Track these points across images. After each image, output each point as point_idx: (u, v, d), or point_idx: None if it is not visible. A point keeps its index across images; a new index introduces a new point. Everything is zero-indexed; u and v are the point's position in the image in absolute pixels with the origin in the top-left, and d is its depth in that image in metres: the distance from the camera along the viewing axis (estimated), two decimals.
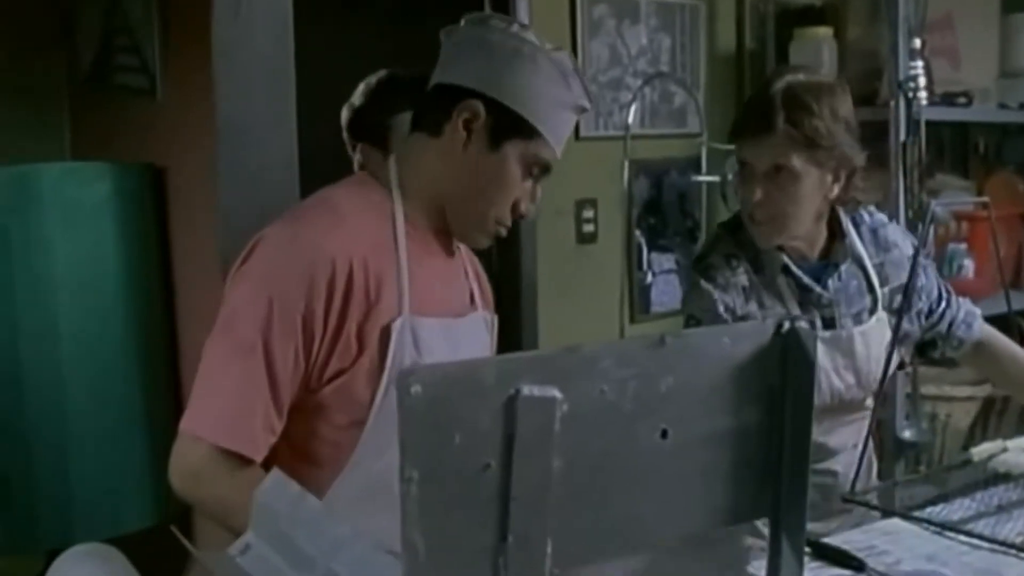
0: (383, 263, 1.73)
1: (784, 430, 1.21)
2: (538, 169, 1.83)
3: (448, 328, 1.81)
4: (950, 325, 2.46)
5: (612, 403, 1.08)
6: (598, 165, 3.78)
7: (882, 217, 2.39)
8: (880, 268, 2.33)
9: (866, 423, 2.32)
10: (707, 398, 1.17)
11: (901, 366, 2.58)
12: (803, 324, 1.21)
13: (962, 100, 3.81)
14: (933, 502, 2.18)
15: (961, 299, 2.49)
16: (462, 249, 1.95)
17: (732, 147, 2.25)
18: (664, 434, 1.13)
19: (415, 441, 0.98)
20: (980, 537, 1.98)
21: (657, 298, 4.03)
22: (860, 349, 2.26)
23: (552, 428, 1.04)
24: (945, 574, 1.87)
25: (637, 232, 3.94)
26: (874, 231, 2.36)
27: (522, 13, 3.62)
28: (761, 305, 2.19)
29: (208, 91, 2.51)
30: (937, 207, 2.70)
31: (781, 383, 1.21)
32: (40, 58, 3.31)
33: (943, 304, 2.46)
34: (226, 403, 1.66)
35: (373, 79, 2.60)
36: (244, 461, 1.66)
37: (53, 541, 2.39)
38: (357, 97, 2.62)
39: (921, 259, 2.25)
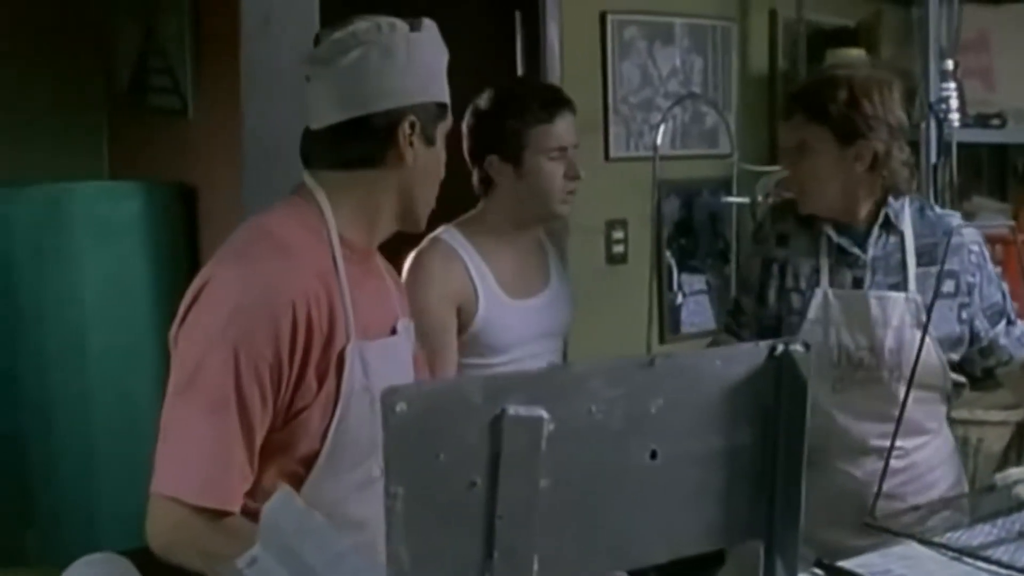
0: (329, 292, 1.70)
1: (778, 451, 1.22)
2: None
3: (387, 348, 1.82)
4: (1004, 337, 2.46)
5: (600, 422, 1.09)
6: (628, 186, 3.79)
7: (949, 212, 2.51)
8: (930, 248, 2.38)
9: (889, 427, 2.34)
10: (698, 418, 1.17)
11: (959, 385, 2.56)
12: (797, 347, 1.21)
13: (995, 122, 3.78)
14: (954, 527, 2.16)
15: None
16: (377, 256, 1.93)
17: (763, 168, 2.38)
18: (654, 454, 1.14)
19: (400, 458, 0.99)
20: (998, 564, 1.96)
21: (688, 318, 4.02)
22: (876, 313, 2.35)
23: (539, 447, 1.05)
24: None
25: (668, 253, 3.94)
26: (924, 212, 2.42)
27: (552, 35, 3.65)
28: (795, 252, 2.43)
29: (236, 110, 2.56)
30: (962, 229, 2.68)
31: (775, 404, 1.21)
32: (80, 78, 3.38)
33: (1002, 318, 2.45)
34: (203, 461, 1.61)
35: (498, 88, 2.50)
36: (222, 513, 1.62)
37: (79, 551, 2.43)
38: (484, 102, 2.51)
39: (988, 265, 2.40)
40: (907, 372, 2.32)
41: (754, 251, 2.57)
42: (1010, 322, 2.48)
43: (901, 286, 2.37)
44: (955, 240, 2.37)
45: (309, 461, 1.71)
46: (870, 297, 2.37)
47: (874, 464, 2.40)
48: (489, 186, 2.47)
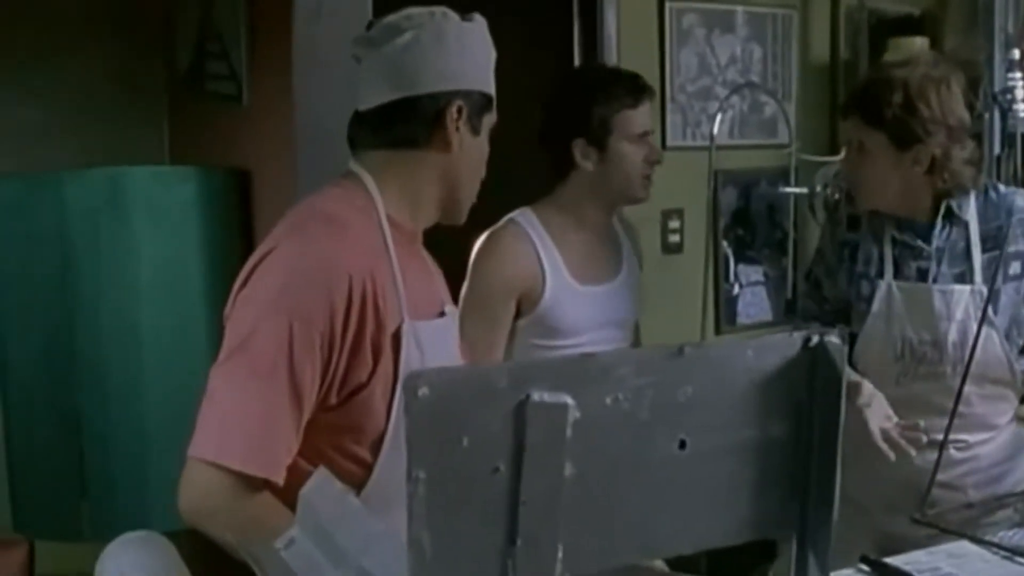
0: (382, 270, 1.72)
1: (812, 445, 1.20)
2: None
3: (438, 329, 1.83)
4: None
5: (628, 411, 1.08)
6: (685, 175, 3.77)
7: (1013, 190, 2.43)
8: (996, 232, 2.34)
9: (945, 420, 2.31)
10: (729, 409, 1.16)
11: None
12: (832, 338, 1.19)
13: None
14: (1009, 526, 2.12)
15: None
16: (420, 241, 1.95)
17: (822, 159, 2.37)
18: (683, 444, 1.13)
19: (422, 442, 0.99)
20: None
21: (744, 309, 3.99)
22: (939, 307, 2.32)
23: (564, 434, 1.04)
24: None
25: (724, 243, 3.91)
26: (988, 196, 2.38)
27: (610, 23, 3.63)
28: (865, 237, 2.42)
29: (289, 96, 2.58)
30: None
31: (809, 397, 1.19)
32: (143, 63, 3.43)
33: None
34: (250, 428, 1.59)
35: (581, 72, 2.55)
36: (260, 485, 1.60)
37: (132, 527, 2.47)
38: (568, 86, 2.57)
39: None
40: (970, 367, 2.28)
41: (830, 231, 2.55)
42: None
43: (967, 276, 2.33)
44: (1018, 217, 2.33)
45: (376, 446, 1.71)
46: (934, 290, 2.33)
47: (935, 455, 2.35)
48: (567, 169, 2.48)
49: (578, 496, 1.06)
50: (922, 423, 2.28)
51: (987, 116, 3.41)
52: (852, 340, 2.39)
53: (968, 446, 2.38)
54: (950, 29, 3.79)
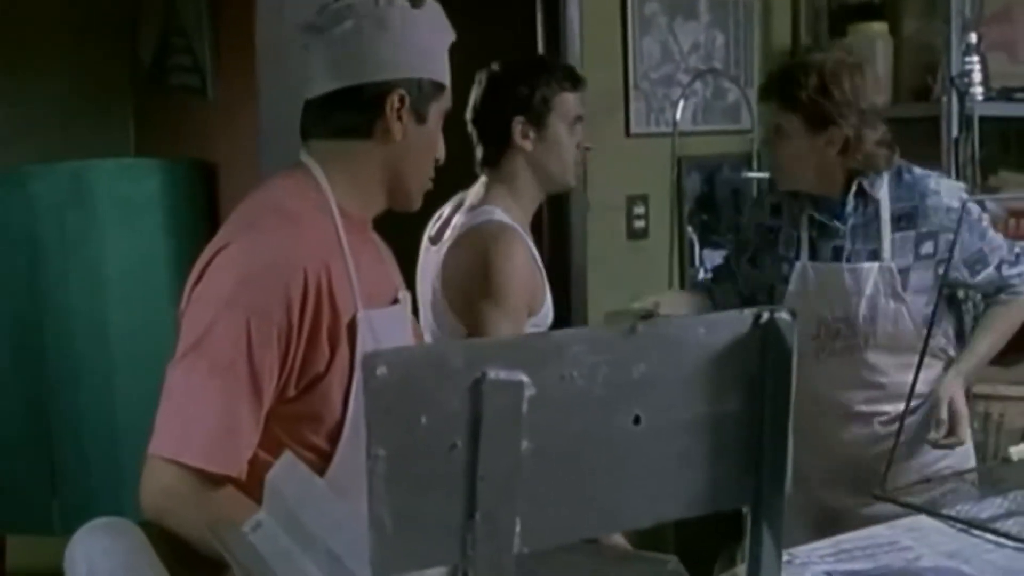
0: (335, 262, 1.72)
1: (764, 419, 1.23)
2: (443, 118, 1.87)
3: (392, 316, 1.84)
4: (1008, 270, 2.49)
5: (582, 388, 1.11)
6: (649, 161, 3.81)
7: (927, 173, 2.52)
8: (908, 212, 2.44)
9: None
10: (682, 386, 1.18)
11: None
12: (783, 315, 1.22)
13: (1020, 95, 3.73)
14: (964, 500, 2.17)
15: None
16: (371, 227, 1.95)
17: None
18: (637, 420, 1.15)
19: (381, 421, 1.02)
20: (1005, 536, 1.97)
21: None
22: (849, 284, 2.44)
23: (519, 411, 1.07)
24: (965, 571, 1.86)
25: (689, 228, 3.94)
26: (901, 177, 2.48)
27: (572, 10, 3.65)
28: (784, 221, 2.55)
29: (253, 89, 2.59)
30: (984, 202, 2.69)
31: (760, 372, 1.22)
32: (107, 57, 3.43)
33: (986, 266, 2.48)
34: (208, 425, 1.60)
35: (483, 74, 2.53)
36: (221, 480, 1.61)
37: None
38: (506, 67, 2.55)
39: (973, 218, 2.43)
40: (882, 339, 2.38)
41: (752, 216, 2.72)
42: (988, 264, 2.48)
43: (879, 253, 2.44)
44: (932, 201, 2.43)
45: (335, 435, 1.72)
46: (844, 269, 2.45)
47: (861, 429, 2.47)
48: (504, 149, 2.47)
49: (535, 471, 1.09)
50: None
51: (944, 100, 3.46)
52: None
53: (891, 418, 2.43)
54: (909, 14, 3.83)
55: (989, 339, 2.51)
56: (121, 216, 2.67)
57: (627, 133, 3.80)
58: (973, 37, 3.49)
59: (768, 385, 1.22)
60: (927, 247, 2.43)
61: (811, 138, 2.40)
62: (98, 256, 2.63)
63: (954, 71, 3.45)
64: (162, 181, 2.74)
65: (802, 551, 1.94)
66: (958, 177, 3.40)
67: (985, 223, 2.49)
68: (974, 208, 2.44)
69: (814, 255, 2.49)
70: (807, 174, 2.46)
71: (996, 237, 2.50)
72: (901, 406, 2.39)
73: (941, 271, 2.42)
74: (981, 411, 3.56)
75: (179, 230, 2.74)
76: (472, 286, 2.33)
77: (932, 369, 2.46)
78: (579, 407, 1.11)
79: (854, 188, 2.44)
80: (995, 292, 2.50)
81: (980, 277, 2.48)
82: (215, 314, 1.63)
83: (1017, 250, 2.51)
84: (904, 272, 2.42)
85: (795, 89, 2.39)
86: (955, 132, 3.41)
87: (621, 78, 3.80)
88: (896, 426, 2.34)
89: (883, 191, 2.44)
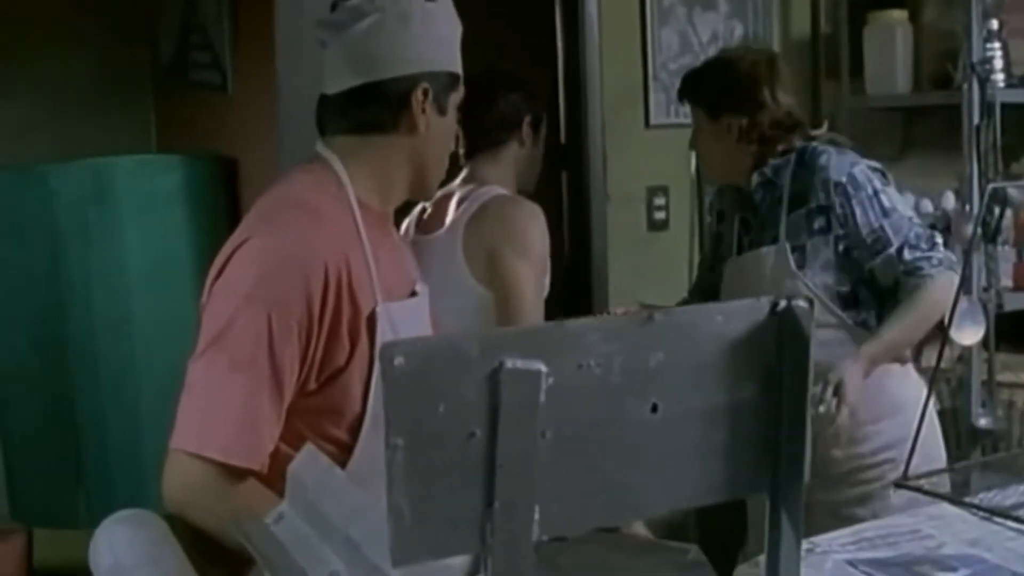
0: (355, 255, 1.73)
1: (781, 407, 1.23)
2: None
3: (411, 308, 1.85)
4: (908, 253, 2.45)
5: (599, 377, 1.11)
6: (669, 153, 3.79)
7: (822, 149, 2.54)
8: (802, 191, 2.50)
9: None
10: (699, 374, 1.19)
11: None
12: (799, 303, 1.22)
13: None
14: (987, 488, 2.16)
15: (937, 256, 2.46)
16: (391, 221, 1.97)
17: None
18: (655, 408, 1.15)
19: (399, 410, 1.02)
20: None
21: None
22: (752, 269, 2.54)
23: (537, 400, 1.07)
24: (986, 558, 1.86)
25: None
26: (803, 158, 2.53)
27: (591, 2, 3.65)
28: (724, 226, 2.71)
29: (272, 84, 2.61)
30: (1009, 189, 2.67)
31: (777, 361, 1.22)
32: (127, 54, 3.45)
33: (886, 246, 2.45)
34: (231, 420, 1.61)
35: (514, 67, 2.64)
36: (243, 474, 1.62)
37: None
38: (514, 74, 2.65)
39: (865, 193, 2.45)
40: None
41: (707, 226, 2.91)
42: (887, 246, 2.45)
43: (778, 236, 2.51)
44: (819, 176, 2.48)
45: (355, 428, 1.74)
46: (747, 256, 2.57)
47: None
48: (505, 139, 2.55)
49: (553, 459, 1.09)
50: None
51: (966, 87, 3.44)
52: None
53: (817, 399, 2.36)
54: (929, 1, 3.81)
55: (897, 324, 2.44)
56: (142, 211, 2.69)
57: (647, 124, 3.80)
58: (994, 23, 3.46)
59: (785, 373, 1.23)
60: (819, 222, 2.47)
61: (713, 128, 2.55)
62: (120, 252, 2.65)
63: (975, 58, 3.42)
64: (183, 176, 2.76)
65: (823, 540, 1.94)
66: (980, 165, 3.38)
67: (888, 202, 2.46)
68: (864, 183, 2.45)
69: (740, 252, 2.61)
70: (716, 164, 2.64)
71: (903, 219, 2.45)
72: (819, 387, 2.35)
73: (842, 247, 2.46)
74: (1005, 399, 3.55)
75: (200, 225, 2.75)
76: (502, 248, 2.40)
77: (839, 345, 2.44)
78: (596, 396, 1.12)
79: (755, 177, 2.54)
80: (904, 275, 2.45)
81: (879, 259, 2.46)
82: (236, 308, 1.64)
83: (927, 234, 2.48)
84: (799, 250, 2.47)
85: (698, 83, 2.59)
86: (976, 119, 3.38)
87: (640, 69, 3.80)
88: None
89: (787, 174, 2.52)
